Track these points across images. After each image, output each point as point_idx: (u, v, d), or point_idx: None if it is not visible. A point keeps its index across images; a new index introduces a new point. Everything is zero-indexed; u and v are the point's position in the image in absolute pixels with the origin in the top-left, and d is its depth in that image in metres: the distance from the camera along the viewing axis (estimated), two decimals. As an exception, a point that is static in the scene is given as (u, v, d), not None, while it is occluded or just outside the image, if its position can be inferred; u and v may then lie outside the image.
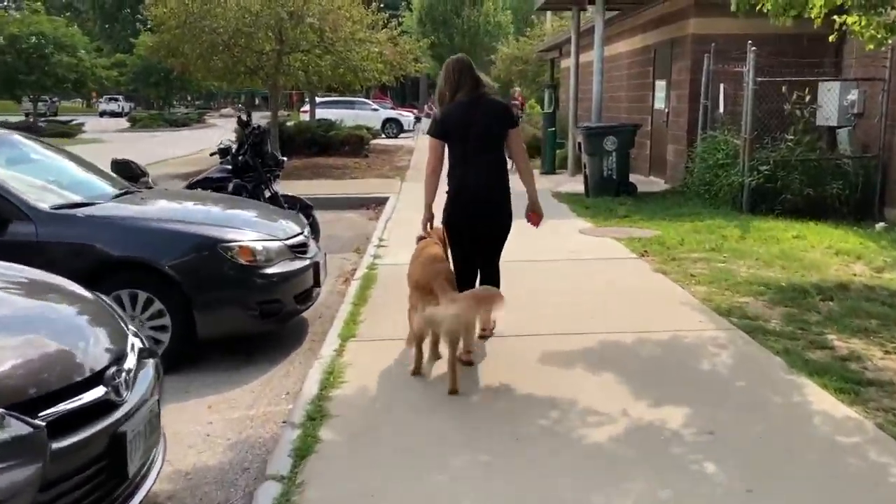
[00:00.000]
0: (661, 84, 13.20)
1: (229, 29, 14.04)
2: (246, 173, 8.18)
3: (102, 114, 59.47)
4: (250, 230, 5.14)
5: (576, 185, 13.09)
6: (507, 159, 4.62)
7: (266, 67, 15.71)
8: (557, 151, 15.25)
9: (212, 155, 8.83)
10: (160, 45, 15.01)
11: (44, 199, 4.86)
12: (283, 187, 13.26)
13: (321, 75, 15.46)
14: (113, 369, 2.78)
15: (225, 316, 4.87)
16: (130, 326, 3.23)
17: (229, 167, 8.24)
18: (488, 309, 4.23)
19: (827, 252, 7.49)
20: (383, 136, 31.27)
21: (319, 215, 10.92)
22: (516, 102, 18.79)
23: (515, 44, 30.08)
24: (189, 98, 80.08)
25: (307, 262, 5.30)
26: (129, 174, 8.19)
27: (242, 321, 4.91)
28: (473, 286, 4.45)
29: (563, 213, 10.12)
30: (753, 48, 9.63)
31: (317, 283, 5.43)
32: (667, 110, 12.84)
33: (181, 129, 41.29)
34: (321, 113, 31.74)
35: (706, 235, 8.23)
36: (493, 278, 4.62)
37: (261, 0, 14.40)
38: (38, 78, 31.94)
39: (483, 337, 4.73)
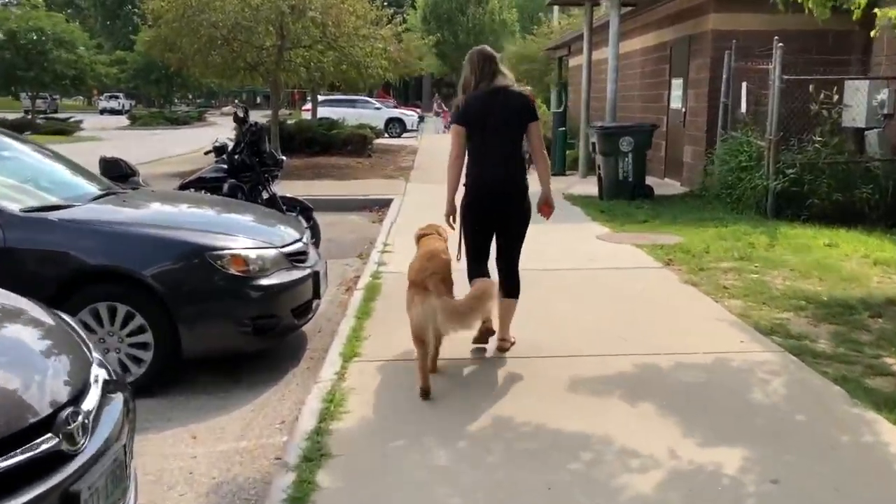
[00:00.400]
0: (677, 82, 12.69)
1: (228, 23, 13.54)
2: (243, 173, 7.68)
3: (103, 111, 59.10)
4: (243, 236, 4.63)
5: (588, 187, 12.58)
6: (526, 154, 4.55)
7: (266, 63, 15.20)
8: (568, 152, 14.72)
9: (206, 153, 8.32)
10: (157, 39, 14.51)
11: (14, 201, 4.36)
12: (283, 188, 12.74)
13: (323, 72, 14.94)
14: (68, 411, 2.27)
15: (214, 332, 4.37)
16: (95, 354, 2.72)
17: (225, 166, 7.73)
18: (484, 312, 4.09)
19: (864, 262, 6.97)
20: (386, 135, 30.80)
21: (320, 217, 10.40)
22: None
23: (522, 42, 29.56)
24: (190, 96, 79.82)
25: (306, 271, 4.80)
26: (118, 173, 7.66)
27: (233, 338, 4.41)
28: (487, 273, 4.42)
29: (577, 217, 9.61)
30: (780, 44, 9.11)
31: (316, 295, 4.92)
32: (684, 110, 12.33)
33: (181, 127, 40.85)
34: (323, 112, 31.25)
35: (732, 243, 7.71)
36: (512, 278, 4.54)
37: (260, -8, 13.90)
38: (37, 74, 31.44)
39: (501, 349, 4.53)
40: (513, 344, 4.56)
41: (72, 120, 33.68)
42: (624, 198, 10.68)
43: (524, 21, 45.23)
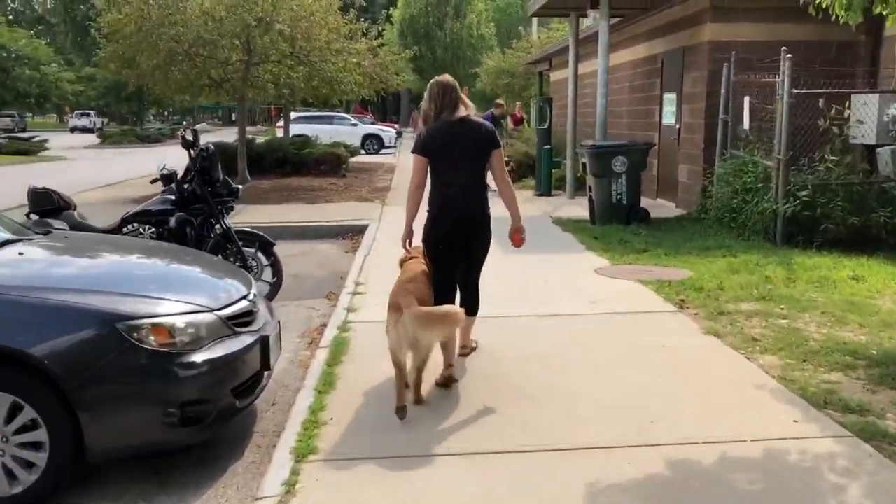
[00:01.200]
0: (670, 97, 11.92)
1: (189, 37, 12.58)
2: (193, 204, 6.72)
3: (73, 129, 57.63)
4: (173, 297, 3.68)
5: (576, 208, 11.74)
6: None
7: (233, 80, 14.25)
8: (553, 171, 13.89)
9: (153, 181, 7.34)
10: (114, 55, 13.50)
11: None
12: (249, 214, 11.79)
13: (293, 88, 14.01)
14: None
15: (127, 425, 3.40)
16: None
17: (173, 197, 6.76)
18: (450, 328, 4.10)
19: (900, 299, 6.16)
20: (363, 152, 29.87)
21: (288, 247, 9.46)
22: (499, 102, 17.47)
23: (501, 56, 28.87)
24: (166, 113, 78.39)
25: (253, 337, 3.85)
26: (48, 206, 6.70)
27: (154, 431, 3.44)
28: (453, 303, 4.45)
29: (570, 246, 8.73)
30: (789, 55, 8.35)
31: (266, 366, 3.97)
32: (678, 126, 11.55)
33: (153, 145, 39.64)
34: (298, 128, 30.20)
35: (747, 277, 6.87)
36: (472, 296, 4.67)
37: (226, 5, 12.97)
38: (-2, 92, 30.28)
39: (462, 355, 4.69)
40: (473, 349, 4.84)
41: (36, 139, 32.40)
42: (618, 222, 9.84)
43: (502, 35, 44.66)
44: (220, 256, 6.63)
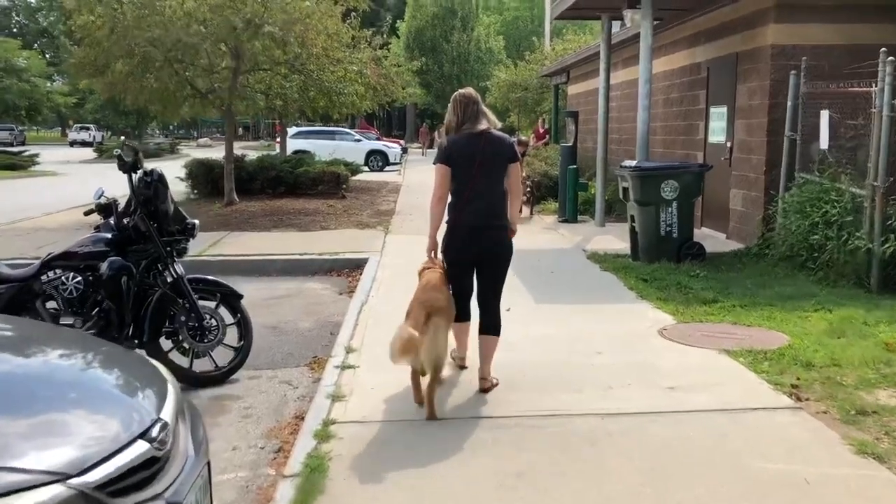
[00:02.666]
0: (718, 111, 10.31)
1: (167, 41, 11.04)
2: (134, 245, 5.12)
3: (73, 143, 56.38)
4: (6, 455, 2.04)
5: (611, 239, 10.11)
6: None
7: (219, 90, 12.71)
8: (579, 194, 12.27)
9: (87, 213, 5.72)
10: (85, 61, 11.97)
11: None
12: (230, 244, 10.17)
13: (286, 99, 12.44)
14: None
15: None
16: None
17: (109, 235, 5.16)
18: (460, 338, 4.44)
19: None
20: (366, 168, 28.36)
21: (271, 286, 7.91)
22: (523, 139, 15.77)
23: (513, 69, 27.38)
24: (171, 127, 77.19)
25: (153, 506, 2.20)
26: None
27: None
28: (469, 307, 4.62)
29: (616, 292, 7.08)
30: (890, 58, 6.73)
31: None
32: (729, 144, 9.93)
33: (151, 160, 38.18)
34: (298, 144, 28.78)
35: (858, 343, 5.23)
36: (493, 317, 4.60)
37: (210, 5, 11.43)
38: (-14, 104, 28.90)
39: (484, 389, 4.42)
40: (495, 385, 4.47)
41: (27, 154, 31.00)
42: (667, 258, 8.20)
43: (510, 49, 43.28)
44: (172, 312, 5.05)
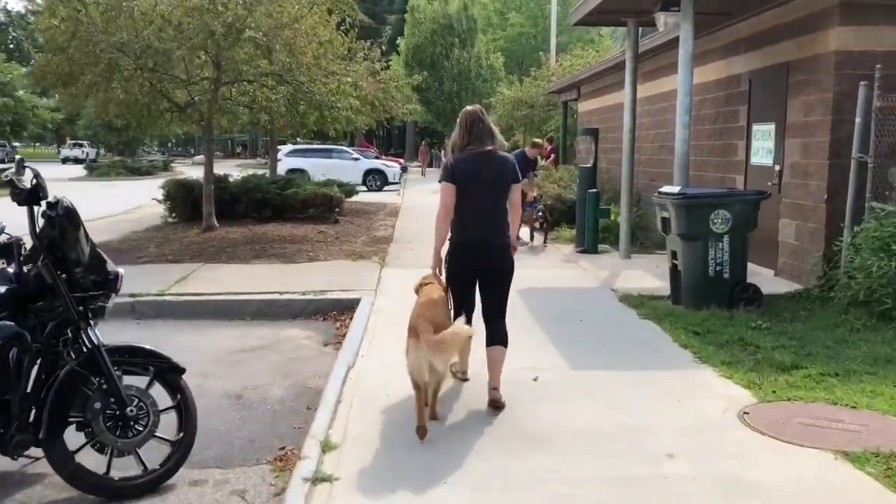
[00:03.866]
0: (764, 129, 9.00)
1: (136, 47, 9.74)
2: (36, 302, 3.76)
3: (65, 160, 55.01)
4: None
5: (641, 275, 8.77)
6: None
7: (199, 103, 11.40)
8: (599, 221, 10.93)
9: (-18, 257, 4.34)
10: (47, 69, 10.66)
11: None
12: (199, 280, 8.69)
13: (272, 113, 11.12)
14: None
15: None
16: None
17: (4, 289, 3.79)
18: (463, 342, 4.31)
19: None
20: (364, 188, 27.06)
21: (242, 335, 6.62)
22: (538, 141, 14.22)
23: (518, 86, 26.17)
24: (169, 144, 75.89)
25: None
26: None
27: None
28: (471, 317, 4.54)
29: (666, 350, 5.69)
30: None
31: None
32: (778, 168, 8.61)
33: (143, 178, 36.90)
34: (293, 163, 27.49)
35: None
36: (500, 330, 4.63)
37: (186, 7, 10.15)
38: (-34, 120, 27.63)
39: (494, 400, 4.46)
40: (502, 404, 4.46)
41: (3, 173, 29.67)
42: (717, 303, 6.84)
43: (512, 66, 42.17)
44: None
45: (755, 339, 5.83)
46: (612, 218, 11.09)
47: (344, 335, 6.61)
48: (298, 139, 38.58)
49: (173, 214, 13.27)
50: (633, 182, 12.55)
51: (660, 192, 7.31)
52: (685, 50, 8.01)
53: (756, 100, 9.27)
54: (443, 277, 4.63)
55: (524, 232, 11.44)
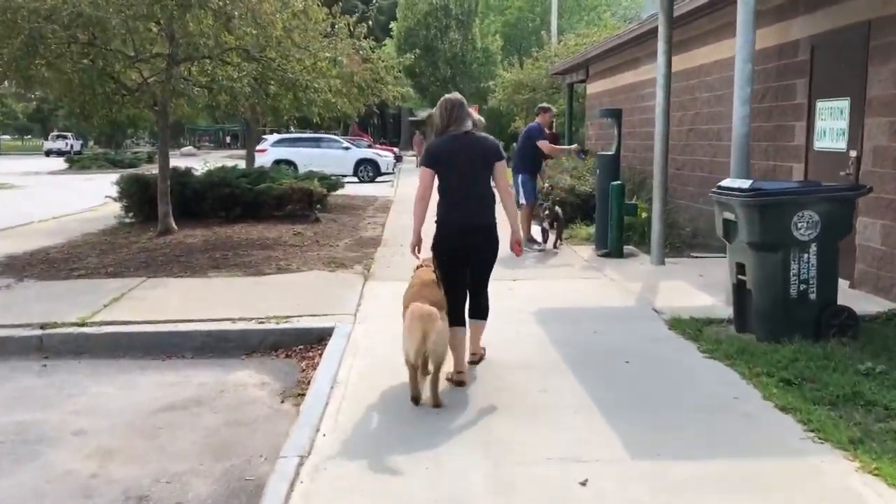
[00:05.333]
0: (833, 106, 7.31)
1: (64, 15, 8.00)
2: None
3: (49, 153, 53.14)
4: None
5: (681, 287, 7.11)
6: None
7: (152, 84, 9.66)
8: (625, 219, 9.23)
9: None
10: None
11: None
12: (135, 300, 6.70)
13: (234, 94, 9.37)
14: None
15: None
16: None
17: None
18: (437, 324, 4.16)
19: None
20: (355, 179, 25.33)
21: (181, 377, 5.31)
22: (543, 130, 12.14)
23: (518, 68, 24.37)
24: (173, 134, 73.70)
25: None
26: None
27: None
28: (463, 311, 4.66)
29: (758, 418, 3.96)
30: None
31: None
32: (854, 153, 6.93)
33: (127, 170, 35.20)
34: (280, 153, 25.71)
35: None
36: (480, 302, 4.74)
37: (127, -33, 8.40)
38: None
39: (472, 362, 4.76)
40: (482, 356, 4.86)
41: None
42: (800, 331, 5.19)
43: (510, 50, 40.33)
44: None
45: (877, 393, 4.16)
46: (641, 215, 9.40)
47: (309, 382, 4.97)
48: (292, 128, 36.83)
49: (130, 214, 11.57)
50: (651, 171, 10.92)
51: (721, 188, 5.63)
52: (745, 7, 6.28)
53: (821, 71, 7.57)
54: (422, 257, 4.72)
55: (536, 231, 9.76)
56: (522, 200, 9.53)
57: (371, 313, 6.36)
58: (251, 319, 6.17)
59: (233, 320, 6.16)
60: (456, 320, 4.50)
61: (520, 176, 9.62)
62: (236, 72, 9.43)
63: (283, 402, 4.85)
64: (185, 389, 5.09)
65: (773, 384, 4.38)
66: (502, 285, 7.20)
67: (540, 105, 10.34)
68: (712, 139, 10.25)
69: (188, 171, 11.55)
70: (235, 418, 4.59)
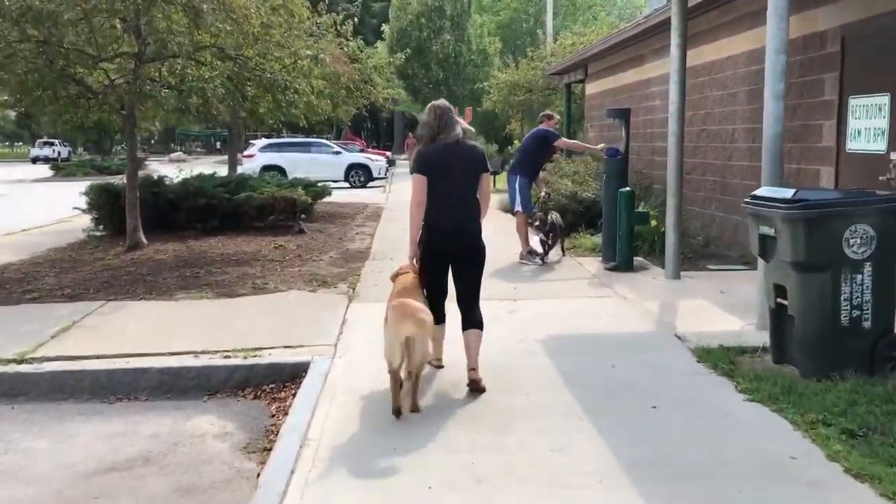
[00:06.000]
0: (867, 103, 6.56)
1: (13, 10, 7.20)
2: None
3: (35, 160, 52.15)
4: None
5: (704, 307, 6.34)
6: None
7: (118, 87, 8.87)
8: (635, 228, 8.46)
9: None
10: None
11: None
12: (87, 329, 6.00)
13: (205, 96, 8.57)
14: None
15: None
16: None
17: None
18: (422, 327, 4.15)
19: None
20: (346, 185, 24.56)
21: (129, 425, 4.83)
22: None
23: (513, 69, 23.62)
24: (153, 142, 72.74)
25: None
26: None
27: None
28: (443, 310, 4.74)
29: (822, 484, 3.20)
30: None
31: None
32: (895, 156, 6.17)
33: (113, 176, 34.33)
34: (268, 158, 24.89)
35: None
36: (474, 314, 4.65)
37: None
38: None
39: (474, 383, 4.47)
40: (483, 387, 4.48)
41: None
42: (851, 365, 4.43)
43: (506, 51, 39.60)
44: None
45: (968, 453, 3.40)
46: (653, 224, 8.65)
47: (278, 431, 4.19)
48: (284, 132, 35.79)
49: (101, 227, 10.75)
50: (656, 175, 10.18)
51: (757, 198, 4.86)
52: (778, -9, 5.50)
53: (854, 64, 6.82)
54: (408, 267, 4.72)
55: (535, 242, 8.99)
56: (518, 207, 8.79)
57: (353, 342, 5.57)
58: (216, 353, 5.38)
59: (195, 354, 5.37)
60: (439, 319, 4.66)
61: (518, 179, 8.91)
62: (209, 72, 8.64)
63: (247, 457, 4.07)
64: (133, 442, 4.31)
65: (835, 438, 3.62)
66: (502, 306, 6.43)
67: (544, 113, 9.62)
68: (725, 141, 9.51)
69: (161, 179, 10.75)
70: (188, 483, 3.81)
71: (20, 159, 60.01)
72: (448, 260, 4.63)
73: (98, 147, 46.22)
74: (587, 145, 10.43)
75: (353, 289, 7.41)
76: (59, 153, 52.75)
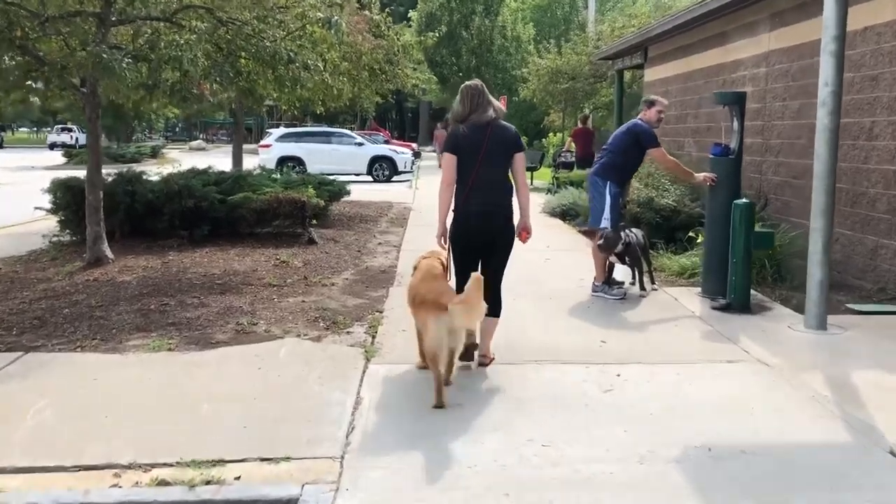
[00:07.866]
0: None
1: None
2: None
3: (53, 146, 50.95)
4: None
5: (891, 384, 4.17)
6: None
7: (78, 57, 6.84)
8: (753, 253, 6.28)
9: None
10: None
11: None
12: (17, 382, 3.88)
13: (182, 69, 6.46)
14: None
15: None
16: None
17: None
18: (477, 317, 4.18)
19: None
20: (370, 179, 22.58)
21: None
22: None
23: (555, 55, 21.35)
24: (176, 128, 71.14)
25: None
26: None
27: None
28: None
29: None
30: None
31: None
32: None
33: (128, 165, 32.76)
34: (285, 149, 22.98)
35: None
36: (494, 298, 4.60)
37: None
38: None
39: (483, 364, 4.65)
40: (492, 360, 4.69)
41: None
42: None
43: (541, 38, 37.32)
44: None
45: None
46: (779, 247, 6.47)
47: None
48: (308, 121, 33.71)
49: (66, 231, 8.78)
50: (771, 179, 8.04)
51: None
52: None
53: None
54: (431, 253, 4.70)
55: (621, 272, 6.82)
56: (605, 223, 6.52)
57: (371, 449, 3.49)
58: (152, 467, 3.34)
59: (119, 471, 3.33)
60: None
61: (608, 185, 6.57)
62: (187, 35, 6.57)
63: None
64: None
65: None
66: (592, 377, 4.35)
67: (646, 98, 7.07)
68: (859, 137, 7.30)
69: (139, 176, 8.69)
70: None
71: (38, 145, 59.00)
72: (478, 242, 4.58)
73: (113, 132, 44.70)
74: (688, 170, 7.01)
75: (374, 336, 5.32)
76: (77, 139, 51.43)
